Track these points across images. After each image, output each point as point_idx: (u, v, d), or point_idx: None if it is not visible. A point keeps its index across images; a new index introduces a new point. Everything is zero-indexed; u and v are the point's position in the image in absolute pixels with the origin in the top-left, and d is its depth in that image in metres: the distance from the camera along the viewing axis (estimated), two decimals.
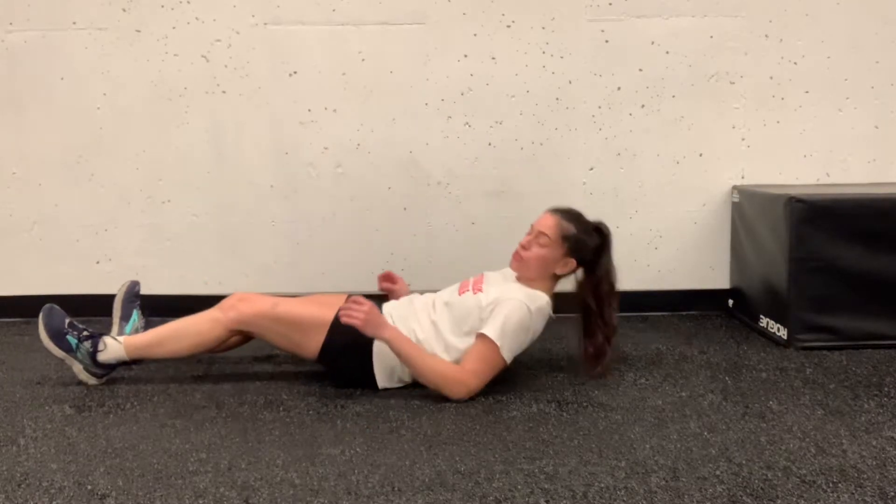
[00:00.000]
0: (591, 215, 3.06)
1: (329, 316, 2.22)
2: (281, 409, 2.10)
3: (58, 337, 2.23)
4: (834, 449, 1.80)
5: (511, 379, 2.25)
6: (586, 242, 2.29)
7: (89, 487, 1.64)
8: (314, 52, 3.02)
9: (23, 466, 1.75)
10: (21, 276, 3.17)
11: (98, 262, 3.17)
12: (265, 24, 3.01)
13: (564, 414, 2.03)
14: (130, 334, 2.39)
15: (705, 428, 1.93)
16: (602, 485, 1.63)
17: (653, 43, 3.01)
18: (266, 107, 3.05)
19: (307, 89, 3.04)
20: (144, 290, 3.15)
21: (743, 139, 3.07)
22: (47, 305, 2.28)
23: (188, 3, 2.99)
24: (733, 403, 2.10)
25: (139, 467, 1.74)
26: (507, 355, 2.14)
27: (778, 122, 3.06)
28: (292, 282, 3.14)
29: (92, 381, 2.29)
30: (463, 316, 2.19)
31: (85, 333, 2.26)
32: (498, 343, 2.11)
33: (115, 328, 2.46)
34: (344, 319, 2.10)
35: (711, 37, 3.01)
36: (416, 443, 1.86)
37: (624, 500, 1.56)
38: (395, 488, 1.62)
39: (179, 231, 3.14)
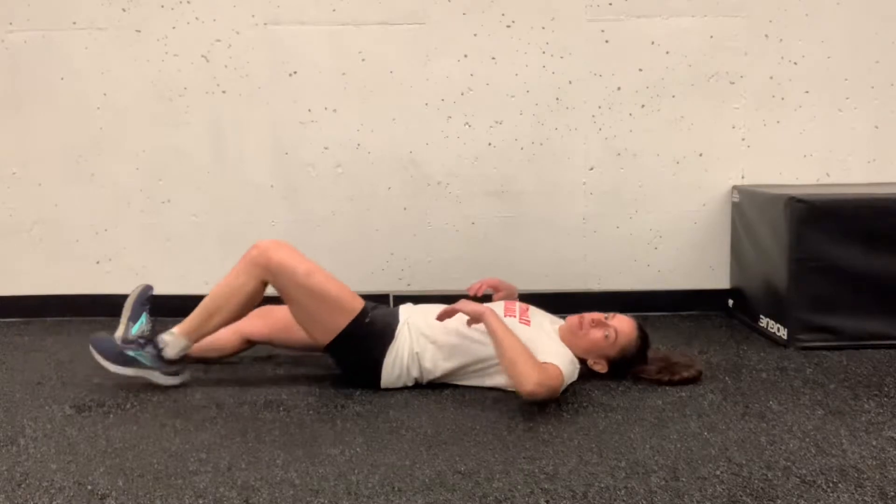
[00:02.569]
0: (591, 215, 3.10)
1: (355, 307, 2.19)
2: (281, 409, 2.10)
3: (120, 358, 2.20)
4: (834, 449, 1.80)
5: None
6: (628, 362, 2.27)
7: (89, 487, 1.64)
8: (314, 52, 3.02)
9: (23, 466, 1.75)
10: (21, 276, 3.17)
11: (98, 262, 3.17)
12: (265, 24, 3.01)
13: (564, 414, 2.03)
14: (136, 335, 2.37)
15: (705, 428, 1.93)
16: (602, 485, 1.63)
17: (653, 43, 3.01)
18: (266, 107, 3.05)
19: (307, 89, 3.04)
20: None
21: (743, 139, 3.07)
22: (92, 337, 2.25)
23: (188, 3, 2.99)
24: (733, 403, 2.10)
25: (139, 467, 1.74)
26: (565, 381, 2.08)
27: (778, 122, 3.06)
28: None
29: (173, 381, 2.27)
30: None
31: (141, 341, 2.23)
32: (561, 368, 2.05)
33: (120, 328, 2.42)
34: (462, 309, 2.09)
35: (711, 37, 3.01)
36: (416, 443, 1.86)
37: (624, 500, 1.56)
38: (395, 488, 1.62)
39: (179, 231, 3.14)
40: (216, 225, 3.13)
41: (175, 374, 2.28)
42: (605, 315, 2.25)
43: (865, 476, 1.66)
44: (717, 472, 1.68)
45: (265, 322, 2.45)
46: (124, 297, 3.15)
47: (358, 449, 1.83)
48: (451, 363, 2.21)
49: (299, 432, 1.94)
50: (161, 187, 3.11)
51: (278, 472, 1.70)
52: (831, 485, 1.62)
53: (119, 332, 2.33)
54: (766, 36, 3.01)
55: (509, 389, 2.15)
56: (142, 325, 2.43)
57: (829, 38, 3.01)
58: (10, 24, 3.01)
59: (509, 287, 2.55)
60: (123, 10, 3.00)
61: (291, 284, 2.15)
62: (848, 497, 1.57)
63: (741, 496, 1.57)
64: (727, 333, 2.85)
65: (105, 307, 3.16)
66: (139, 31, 3.02)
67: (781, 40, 3.01)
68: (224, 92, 3.04)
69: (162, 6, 3.00)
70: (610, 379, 2.27)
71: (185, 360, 2.30)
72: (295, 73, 3.03)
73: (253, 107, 3.05)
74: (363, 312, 2.20)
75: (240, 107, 3.05)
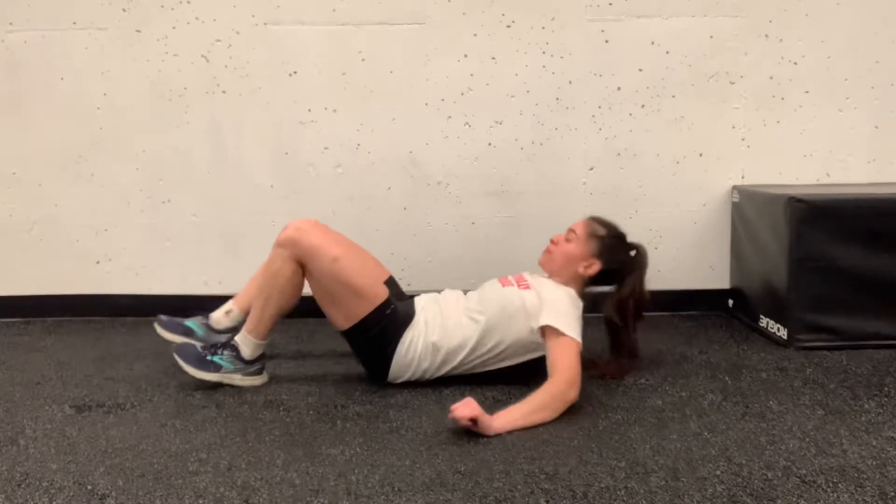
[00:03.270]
0: (591, 215, 3.09)
1: (379, 295, 2.20)
2: (281, 409, 2.10)
3: (203, 364, 2.23)
4: (834, 449, 1.80)
5: (511, 379, 2.25)
6: (614, 249, 2.32)
7: (89, 487, 1.64)
8: (314, 52, 3.02)
9: (23, 466, 1.75)
10: (21, 276, 3.17)
11: (98, 262, 3.17)
12: (265, 24, 3.01)
13: (564, 414, 2.03)
14: (202, 335, 2.40)
15: (705, 428, 1.93)
16: (602, 485, 1.63)
17: (653, 43, 3.01)
18: (266, 107, 3.05)
19: (307, 89, 3.04)
20: (144, 290, 3.17)
21: (743, 139, 3.08)
22: (174, 346, 2.27)
23: (188, 3, 2.99)
24: (733, 403, 2.10)
25: (139, 467, 1.74)
26: (576, 335, 2.10)
27: (778, 122, 3.06)
28: None
29: (256, 381, 2.29)
30: (510, 310, 2.18)
31: (219, 346, 2.26)
32: (562, 329, 2.08)
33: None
34: (464, 422, 1.87)
35: (711, 37, 3.01)
36: (416, 443, 1.86)
37: (624, 500, 1.56)
38: (395, 488, 1.62)
39: (179, 231, 3.14)
40: (216, 225, 3.13)
41: (258, 373, 2.30)
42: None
43: (865, 476, 1.66)
44: (717, 472, 1.68)
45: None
46: (124, 297, 3.18)
47: (358, 449, 1.83)
48: (466, 350, 2.20)
49: (299, 432, 1.94)
50: (161, 187, 3.11)
51: (278, 472, 1.70)
52: (831, 485, 1.62)
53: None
54: (766, 36, 3.01)
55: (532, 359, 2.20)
56: (195, 331, 2.46)
57: (829, 38, 3.01)
58: (10, 24, 3.02)
59: None
60: (123, 10, 3.00)
61: (317, 267, 2.18)
62: (848, 497, 1.57)
63: (741, 496, 1.57)
64: (727, 333, 2.85)
65: (105, 307, 3.17)
66: (139, 31, 3.02)
67: (781, 40, 3.01)
68: (224, 92, 3.04)
69: (162, 6, 3.00)
70: (617, 274, 2.32)
71: (264, 358, 2.31)
72: (295, 73, 3.03)
73: (253, 107, 3.05)
74: (386, 302, 2.20)
75: (240, 107, 3.05)
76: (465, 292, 2.36)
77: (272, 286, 2.21)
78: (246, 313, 2.38)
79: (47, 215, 3.14)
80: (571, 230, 2.34)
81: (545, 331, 2.12)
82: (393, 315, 2.20)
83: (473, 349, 2.21)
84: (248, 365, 2.26)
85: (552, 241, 2.37)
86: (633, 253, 2.36)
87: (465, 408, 1.86)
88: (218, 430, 1.95)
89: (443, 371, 2.24)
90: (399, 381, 2.25)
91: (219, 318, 2.49)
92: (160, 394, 2.23)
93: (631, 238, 2.41)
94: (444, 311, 2.25)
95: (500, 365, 2.24)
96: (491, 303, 2.22)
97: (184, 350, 2.26)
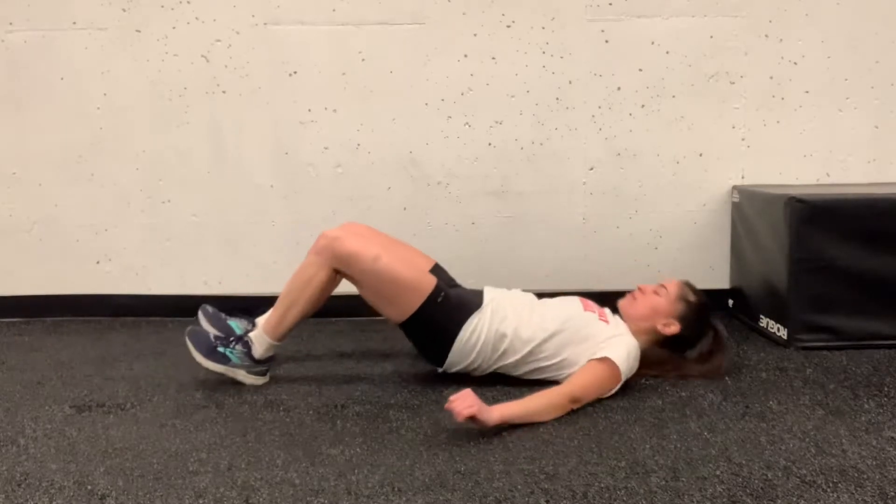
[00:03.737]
0: (591, 215, 3.10)
1: (427, 286, 2.19)
2: (281, 409, 2.10)
3: (212, 353, 2.22)
4: (834, 449, 1.80)
5: (511, 379, 2.25)
6: (698, 321, 2.30)
7: (89, 487, 1.64)
8: (314, 52, 3.02)
9: (23, 466, 1.75)
10: (21, 276, 3.17)
11: (98, 262, 3.17)
12: (265, 24, 3.01)
13: (564, 414, 2.03)
14: (241, 333, 2.37)
15: (705, 428, 1.93)
16: (602, 485, 1.63)
17: (653, 43, 3.01)
18: (266, 107, 3.05)
19: (307, 89, 3.04)
20: (143, 290, 3.18)
21: (743, 139, 3.07)
22: (190, 328, 2.25)
23: (188, 3, 2.99)
24: (733, 403, 2.10)
25: (139, 467, 1.74)
26: (623, 369, 2.12)
27: (778, 122, 3.06)
28: None
29: (260, 381, 2.28)
30: (583, 333, 2.19)
31: (232, 339, 2.25)
32: (621, 368, 2.10)
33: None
34: (462, 416, 1.82)
35: (711, 37, 3.01)
36: (416, 443, 1.86)
37: (624, 500, 1.56)
38: (395, 488, 1.62)
39: (179, 231, 3.14)
40: (216, 225, 3.13)
41: (262, 373, 2.29)
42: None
43: (865, 476, 1.66)
44: (717, 472, 1.68)
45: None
46: (124, 297, 3.18)
47: (358, 449, 1.83)
48: (530, 347, 2.20)
49: (299, 432, 1.94)
50: (161, 187, 3.11)
51: (278, 472, 1.70)
52: (831, 485, 1.62)
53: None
54: (766, 36, 3.01)
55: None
56: (236, 328, 2.44)
57: (829, 38, 3.01)
58: (10, 24, 3.01)
59: None
60: (123, 10, 3.00)
61: (359, 271, 2.18)
62: (848, 497, 1.57)
63: (741, 496, 1.57)
64: (727, 333, 2.85)
65: (105, 307, 3.17)
66: (139, 31, 3.02)
67: (781, 40, 3.01)
68: (224, 92, 3.04)
69: (162, 6, 3.00)
70: (689, 344, 2.30)
71: (272, 360, 2.31)
72: (295, 73, 3.03)
73: (253, 107, 3.05)
74: (436, 291, 2.19)
75: (240, 107, 3.05)
76: (540, 297, 2.36)
77: (301, 291, 2.21)
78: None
79: (47, 215, 3.14)
80: (662, 286, 2.32)
81: (602, 360, 2.11)
82: (447, 301, 2.19)
83: (534, 351, 2.20)
84: (255, 363, 2.26)
85: (640, 289, 2.34)
86: (712, 333, 2.34)
87: (463, 402, 1.83)
88: (218, 430, 1.95)
89: (497, 365, 2.23)
90: (454, 369, 2.24)
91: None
92: (160, 394, 2.23)
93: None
94: (517, 306, 2.25)
95: (540, 375, 2.23)
96: (568, 317, 2.21)
97: (197, 335, 2.24)
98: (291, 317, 2.23)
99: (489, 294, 2.29)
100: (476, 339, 2.19)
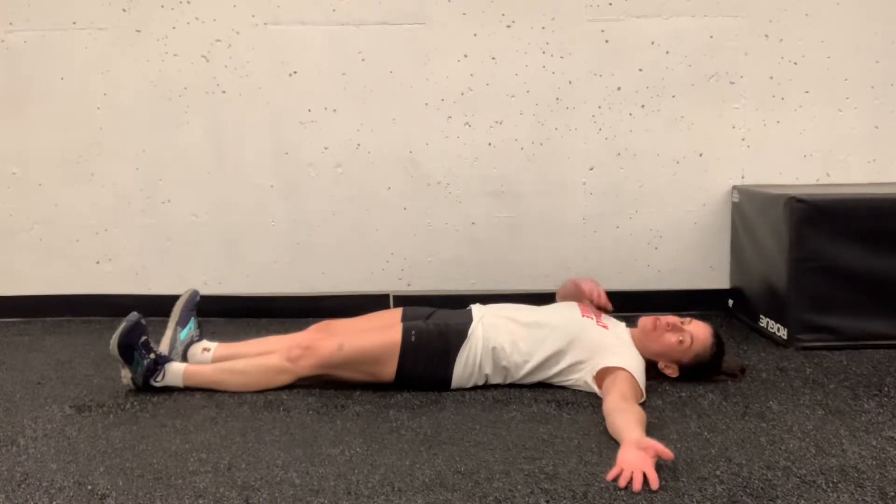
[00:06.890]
0: (591, 215, 3.10)
1: (395, 338, 2.20)
2: (281, 409, 2.10)
3: (126, 347, 2.17)
4: (834, 449, 1.80)
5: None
6: (701, 368, 2.26)
7: (89, 487, 1.64)
8: (314, 52, 3.02)
9: (23, 466, 1.75)
10: (21, 276, 3.17)
11: (98, 262, 3.17)
12: (265, 24, 3.01)
13: (564, 414, 2.03)
14: (184, 340, 2.36)
15: (705, 428, 1.93)
16: (602, 485, 1.62)
17: (653, 43, 3.01)
18: (266, 107, 3.05)
19: (307, 89, 3.04)
20: (143, 290, 3.18)
21: (743, 139, 3.07)
22: (135, 315, 2.20)
23: (188, 3, 2.99)
24: (733, 403, 2.10)
25: (139, 467, 1.74)
26: (638, 377, 2.10)
27: (778, 122, 3.06)
28: (292, 282, 3.14)
29: (132, 387, 2.25)
30: (587, 341, 2.20)
31: (152, 356, 2.21)
32: (637, 378, 2.09)
33: (168, 332, 2.37)
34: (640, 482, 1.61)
35: (711, 37, 3.01)
36: (416, 443, 1.86)
37: (624, 500, 1.56)
38: (395, 488, 1.62)
39: (179, 231, 3.14)
40: (216, 225, 3.13)
41: (140, 388, 2.23)
42: (682, 319, 2.26)
43: (865, 476, 1.65)
44: (717, 472, 1.68)
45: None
46: (124, 297, 3.18)
47: (358, 449, 1.83)
48: (533, 357, 2.20)
49: (299, 432, 1.94)
50: (161, 187, 3.11)
51: (278, 472, 1.70)
52: (831, 485, 1.62)
53: (167, 337, 2.31)
54: (766, 36, 3.01)
55: (583, 389, 2.19)
56: (190, 329, 2.42)
57: (829, 38, 3.01)
58: (10, 24, 3.01)
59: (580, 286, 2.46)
60: (123, 10, 3.00)
61: (333, 366, 2.22)
62: (848, 497, 1.57)
63: (741, 496, 1.57)
64: (727, 333, 2.84)
65: (105, 307, 3.16)
66: (139, 31, 3.02)
67: (781, 40, 3.01)
68: (224, 92, 3.04)
69: (162, 6, 3.00)
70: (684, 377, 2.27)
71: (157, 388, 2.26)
72: (295, 73, 3.03)
73: (253, 107, 3.05)
74: (406, 334, 2.20)
75: (240, 107, 3.05)
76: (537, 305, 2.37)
77: (256, 376, 2.23)
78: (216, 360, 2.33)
79: (47, 215, 3.14)
80: (691, 335, 2.21)
81: (609, 370, 2.11)
82: (423, 335, 2.19)
83: (537, 360, 2.20)
84: (144, 385, 2.21)
85: (667, 323, 2.22)
86: (718, 376, 2.30)
87: (641, 466, 1.62)
88: (218, 430, 1.95)
89: (504, 376, 2.24)
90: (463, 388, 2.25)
91: (195, 351, 2.38)
92: (160, 394, 2.23)
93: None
94: (512, 319, 2.24)
95: (539, 378, 2.23)
96: (568, 323, 2.22)
97: (134, 325, 2.17)
98: (223, 386, 2.23)
99: (477, 313, 2.28)
100: (473, 361, 2.20)
